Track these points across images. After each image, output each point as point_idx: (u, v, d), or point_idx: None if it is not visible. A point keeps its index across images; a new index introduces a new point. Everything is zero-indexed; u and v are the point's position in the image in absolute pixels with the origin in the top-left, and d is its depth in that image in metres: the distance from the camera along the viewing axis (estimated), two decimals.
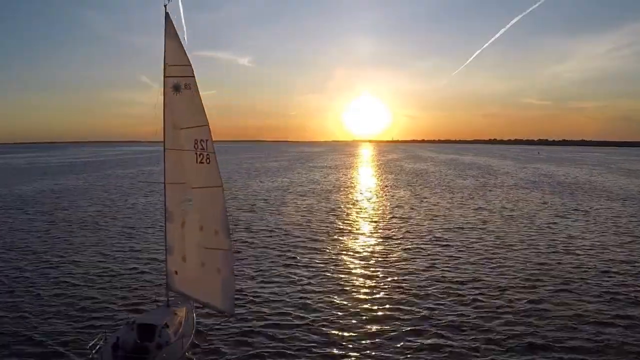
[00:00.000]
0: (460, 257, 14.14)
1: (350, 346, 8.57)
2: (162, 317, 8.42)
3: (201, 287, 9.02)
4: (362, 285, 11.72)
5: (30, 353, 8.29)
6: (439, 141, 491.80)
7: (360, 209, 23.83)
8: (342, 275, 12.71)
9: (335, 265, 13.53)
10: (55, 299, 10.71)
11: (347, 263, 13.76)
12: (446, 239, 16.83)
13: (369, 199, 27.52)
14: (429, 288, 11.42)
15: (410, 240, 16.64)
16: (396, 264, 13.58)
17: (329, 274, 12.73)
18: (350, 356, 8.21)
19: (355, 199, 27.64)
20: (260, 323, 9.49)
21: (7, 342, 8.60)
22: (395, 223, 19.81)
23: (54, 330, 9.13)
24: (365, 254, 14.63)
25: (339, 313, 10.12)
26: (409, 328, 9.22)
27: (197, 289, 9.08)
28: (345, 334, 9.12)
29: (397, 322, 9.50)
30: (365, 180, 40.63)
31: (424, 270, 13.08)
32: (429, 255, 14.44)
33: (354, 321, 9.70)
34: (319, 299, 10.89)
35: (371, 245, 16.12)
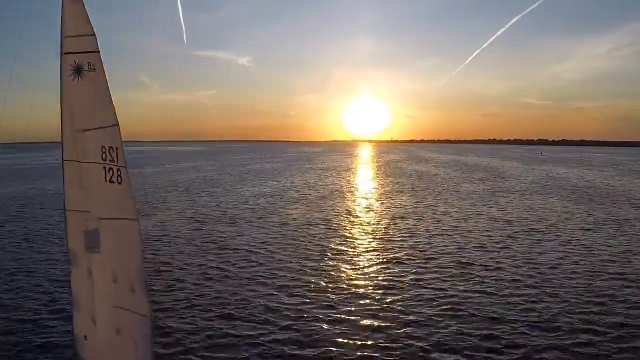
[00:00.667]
0: (489, 286, 11.22)
1: None
2: None
3: None
4: (366, 325, 8.86)
5: None
6: (439, 141, 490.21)
7: (358, 220, 20.88)
8: (338, 309, 9.90)
9: (328, 295, 10.68)
10: None
11: (344, 293, 10.91)
12: (466, 261, 13.72)
13: (368, 208, 24.56)
14: (452, 329, 8.52)
15: (422, 262, 13.65)
16: (407, 300, 10.69)
17: (320, 309, 9.94)
18: None
19: (352, 208, 24.69)
20: None
21: None
22: (400, 241, 16.84)
23: None
24: (364, 281, 11.74)
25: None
26: None
27: None
28: None
29: None
30: (364, 184, 37.66)
31: (444, 308, 10.07)
32: (448, 283, 11.55)
33: None
34: (311, 342, 8.13)
35: (373, 270, 13.13)
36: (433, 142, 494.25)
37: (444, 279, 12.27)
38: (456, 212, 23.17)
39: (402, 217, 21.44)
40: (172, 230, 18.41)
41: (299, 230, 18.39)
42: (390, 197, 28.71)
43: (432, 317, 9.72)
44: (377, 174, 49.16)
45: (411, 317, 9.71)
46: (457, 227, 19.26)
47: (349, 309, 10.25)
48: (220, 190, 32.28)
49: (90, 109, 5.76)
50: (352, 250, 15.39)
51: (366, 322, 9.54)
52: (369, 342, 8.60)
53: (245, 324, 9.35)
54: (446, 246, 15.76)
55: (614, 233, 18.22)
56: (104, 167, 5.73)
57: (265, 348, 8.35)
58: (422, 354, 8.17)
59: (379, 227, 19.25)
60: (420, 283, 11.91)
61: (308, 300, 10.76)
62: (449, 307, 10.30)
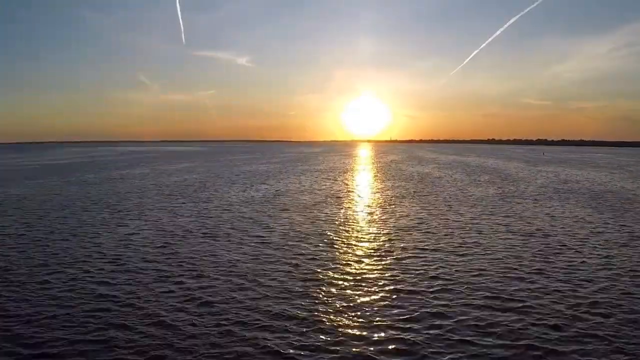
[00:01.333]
0: (521, 314, 8.45)
1: None
2: None
3: None
4: None
5: None
6: (437, 141, 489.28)
7: (355, 235, 18.03)
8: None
9: (318, 337, 7.91)
10: None
11: (339, 337, 8.13)
12: (495, 293, 10.87)
13: (367, 218, 21.70)
14: None
15: (438, 294, 10.86)
16: (419, 340, 7.88)
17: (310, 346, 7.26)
18: None
19: (348, 217, 21.83)
20: None
21: None
22: (407, 263, 13.98)
23: None
24: (364, 319, 8.93)
25: None
26: None
27: None
28: None
29: None
30: (362, 188, 34.75)
31: (464, 342, 7.76)
32: (466, 311, 8.99)
33: None
34: None
35: (375, 306, 10.35)
36: (432, 141, 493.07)
37: (472, 324, 9.41)
38: (468, 222, 20.33)
39: (406, 230, 18.60)
40: (132, 247, 15.53)
41: (283, 248, 15.54)
42: (391, 204, 25.85)
43: None
44: (376, 176, 46.30)
45: None
46: (473, 242, 16.41)
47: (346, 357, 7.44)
48: (205, 195, 29.41)
49: None
50: (348, 276, 12.54)
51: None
52: None
53: None
54: (464, 269, 12.92)
55: None
56: None
57: None
58: None
59: (380, 243, 16.39)
60: (439, 328, 9.06)
61: (293, 342, 7.97)
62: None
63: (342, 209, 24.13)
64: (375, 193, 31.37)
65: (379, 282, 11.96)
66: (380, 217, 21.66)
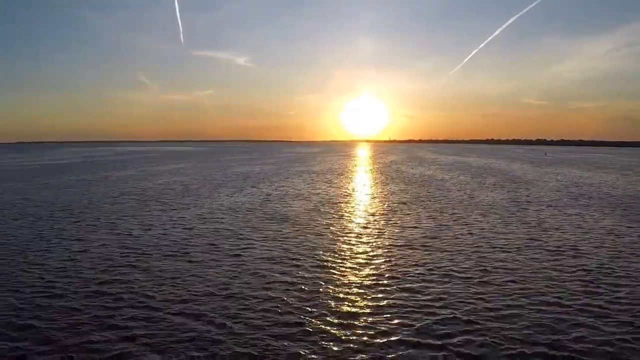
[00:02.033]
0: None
1: None
2: None
3: None
4: None
5: None
6: (436, 141, 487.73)
7: (352, 252, 15.17)
8: None
9: None
10: None
11: None
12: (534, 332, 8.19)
13: (367, 231, 18.83)
14: None
15: (454, 339, 8.05)
16: None
17: None
18: None
19: (345, 229, 18.97)
20: None
21: None
22: (417, 292, 11.14)
23: None
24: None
25: None
26: None
27: None
28: None
29: None
30: (361, 193, 31.85)
31: None
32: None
33: None
34: None
35: (379, 344, 7.54)
36: (431, 141, 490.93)
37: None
38: (484, 235, 17.48)
39: (411, 246, 15.73)
40: (74, 270, 12.64)
41: (261, 273, 12.66)
42: (393, 213, 22.99)
43: None
44: (376, 178, 43.39)
45: None
46: (495, 263, 13.55)
47: None
48: (186, 201, 26.52)
49: None
50: (344, 309, 9.68)
51: None
52: None
53: None
54: (494, 305, 10.07)
55: None
56: None
57: None
58: None
59: (383, 265, 13.52)
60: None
61: None
62: None
63: (337, 218, 21.26)
64: (375, 199, 28.51)
65: (382, 321, 9.09)
66: (381, 230, 18.78)
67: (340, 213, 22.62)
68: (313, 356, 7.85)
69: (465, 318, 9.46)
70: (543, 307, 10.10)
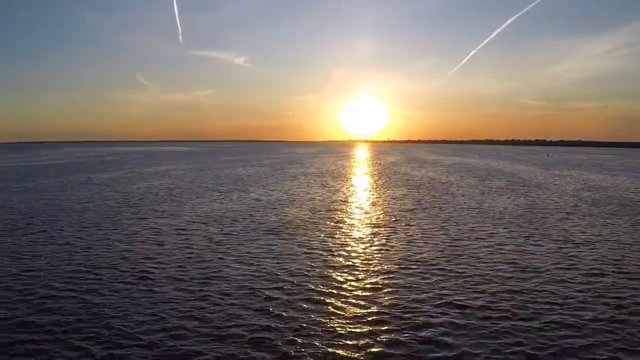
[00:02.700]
0: None
1: None
2: None
3: None
4: None
5: None
6: (435, 141, 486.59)
7: (351, 275, 12.44)
8: None
9: None
10: None
11: None
12: None
13: (368, 248, 16.10)
14: None
15: None
16: None
17: None
18: None
19: (343, 244, 16.24)
20: None
21: None
22: (432, 335, 8.43)
23: None
24: None
25: None
26: None
27: None
28: None
29: None
30: (360, 199, 29.09)
31: None
32: None
33: None
34: None
35: None
36: (429, 142, 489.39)
37: None
38: (505, 252, 14.75)
39: (422, 269, 13.00)
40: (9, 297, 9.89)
41: (239, 306, 9.93)
42: (397, 223, 20.27)
43: None
44: (376, 181, 40.65)
45: None
46: (530, 295, 10.82)
47: None
48: (166, 208, 23.77)
49: None
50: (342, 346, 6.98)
51: None
52: None
53: None
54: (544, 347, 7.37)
55: None
56: None
57: None
58: None
59: (388, 297, 10.79)
60: None
61: None
62: None
63: (334, 231, 18.52)
64: (375, 205, 25.79)
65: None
66: (384, 246, 16.05)
67: (337, 224, 19.90)
68: None
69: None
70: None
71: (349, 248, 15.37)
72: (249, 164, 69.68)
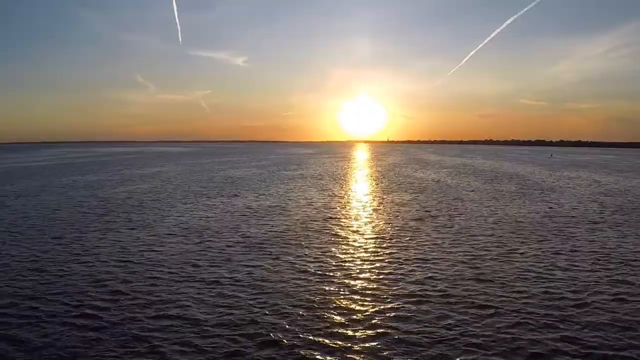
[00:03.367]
0: None
1: None
2: None
3: None
4: None
5: None
6: (435, 142, 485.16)
7: (352, 307, 9.80)
8: None
9: None
10: None
11: None
12: None
13: (371, 271, 13.46)
14: None
15: None
16: None
17: None
18: None
19: (342, 267, 13.62)
20: None
21: None
22: None
23: None
24: None
25: None
26: None
27: None
28: None
29: None
30: (362, 206, 26.38)
31: None
32: None
33: None
34: None
35: None
36: (429, 142, 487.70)
37: None
38: (530, 277, 12.10)
39: (435, 296, 10.36)
40: None
41: (210, 344, 7.30)
42: (403, 237, 17.63)
43: None
44: (377, 185, 37.96)
45: None
46: (587, 339, 8.18)
47: None
48: (143, 218, 21.10)
49: None
50: None
51: None
52: None
53: None
54: None
55: None
56: None
57: None
58: None
59: (398, 337, 8.14)
60: None
61: None
62: None
63: (331, 247, 15.86)
64: (378, 214, 23.15)
65: None
66: (390, 266, 13.41)
67: (333, 238, 17.25)
68: None
69: None
70: None
71: (347, 271, 12.73)
72: (244, 165, 67.05)
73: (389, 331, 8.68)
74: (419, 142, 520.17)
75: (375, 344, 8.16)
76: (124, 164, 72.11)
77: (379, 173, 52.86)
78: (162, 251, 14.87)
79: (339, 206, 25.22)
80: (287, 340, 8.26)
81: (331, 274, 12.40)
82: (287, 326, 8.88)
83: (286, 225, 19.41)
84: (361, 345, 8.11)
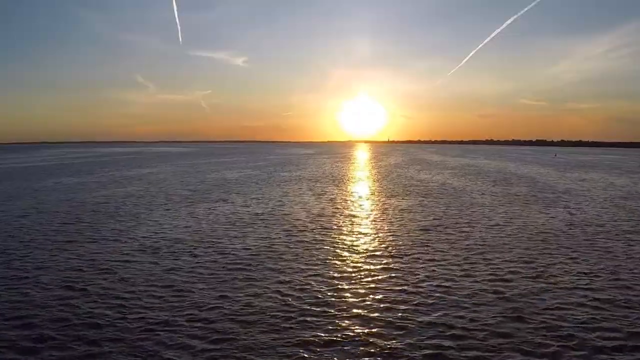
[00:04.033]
0: None
1: None
2: None
3: None
4: None
5: None
6: (435, 142, 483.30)
7: (354, 341, 7.34)
8: None
9: None
10: None
11: None
12: None
13: (375, 295, 11.00)
14: None
15: None
16: None
17: None
18: None
19: (342, 292, 11.16)
20: None
21: None
22: None
23: None
24: None
25: None
26: None
27: None
28: None
29: None
30: (362, 215, 23.82)
31: None
32: None
33: None
34: None
35: None
36: (430, 142, 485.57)
37: None
38: (568, 306, 9.61)
39: (450, 331, 7.88)
40: None
41: None
42: (411, 251, 15.15)
43: None
44: (379, 188, 35.43)
45: None
46: None
47: None
48: (114, 227, 18.61)
49: None
50: None
51: None
52: None
53: None
54: None
55: None
56: None
57: None
58: None
59: None
60: None
61: None
62: None
63: (324, 267, 13.37)
64: (381, 223, 20.66)
65: None
66: (396, 290, 10.92)
67: (333, 252, 14.76)
68: None
69: None
70: None
71: (349, 301, 10.25)
72: (241, 166, 64.61)
73: None
74: (419, 142, 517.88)
75: None
76: (119, 164, 69.74)
77: (381, 175, 50.37)
78: (127, 270, 12.40)
79: (337, 213, 22.74)
80: None
81: (319, 306, 9.92)
82: None
83: (274, 237, 16.93)
84: None
